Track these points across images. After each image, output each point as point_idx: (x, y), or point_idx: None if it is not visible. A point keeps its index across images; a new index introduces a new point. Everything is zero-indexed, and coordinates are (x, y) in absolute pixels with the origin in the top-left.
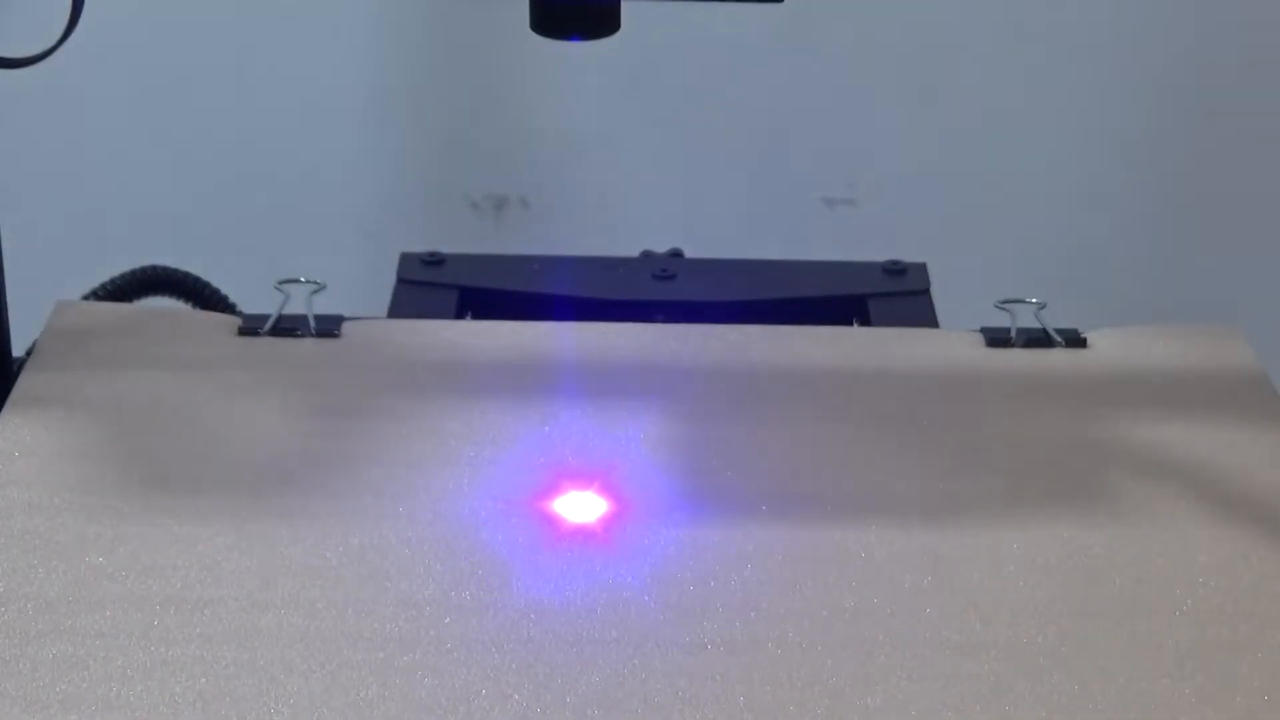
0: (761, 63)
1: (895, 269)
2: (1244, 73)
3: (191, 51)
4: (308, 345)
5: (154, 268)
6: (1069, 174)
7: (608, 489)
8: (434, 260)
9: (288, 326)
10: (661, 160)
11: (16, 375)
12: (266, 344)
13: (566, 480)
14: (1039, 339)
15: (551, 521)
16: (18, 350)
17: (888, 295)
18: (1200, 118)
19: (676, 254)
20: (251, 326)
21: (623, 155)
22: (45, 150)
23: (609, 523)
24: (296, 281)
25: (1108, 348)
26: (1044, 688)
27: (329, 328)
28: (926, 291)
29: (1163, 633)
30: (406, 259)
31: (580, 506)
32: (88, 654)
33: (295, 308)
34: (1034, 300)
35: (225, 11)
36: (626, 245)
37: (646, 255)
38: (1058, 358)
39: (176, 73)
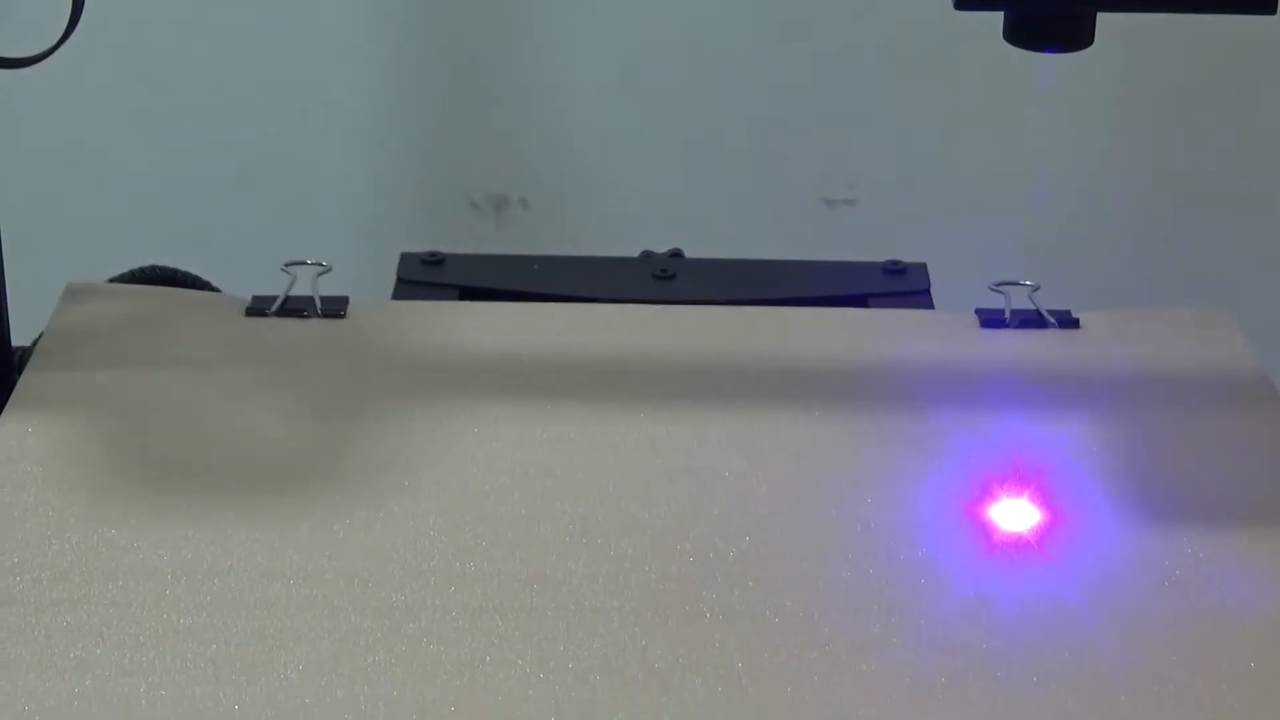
0: (761, 63)
1: (895, 269)
2: (1245, 70)
3: (191, 51)
4: (314, 326)
5: (154, 267)
6: (1069, 173)
7: (611, 465)
8: (434, 260)
9: (294, 307)
10: (661, 160)
11: (25, 360)
12: (273, 324)
13: (570, 456)
14: (1032, 320)
15: (554, 495)
16: (24, 339)
17: (888, 295)
18: (1203, 119)
19: (676, 254)
20: (259, 307)
21: (623, 155)
22: (44, 150)
23: (612, 495)
24: (303, 264)
25: (1100, 328)
26: (1040, 656)
27: (335, 309)
28: (927, 291)
29: (1151, 606)
30: (406, 259)
31: (584, 480)
32: (101, 622)
33: (301, 290)
34: (1028, 283)
35: (224, 12)
36: (626, 245)
37: (646, 255)
38: (1050, 338)
39: (176, 72)
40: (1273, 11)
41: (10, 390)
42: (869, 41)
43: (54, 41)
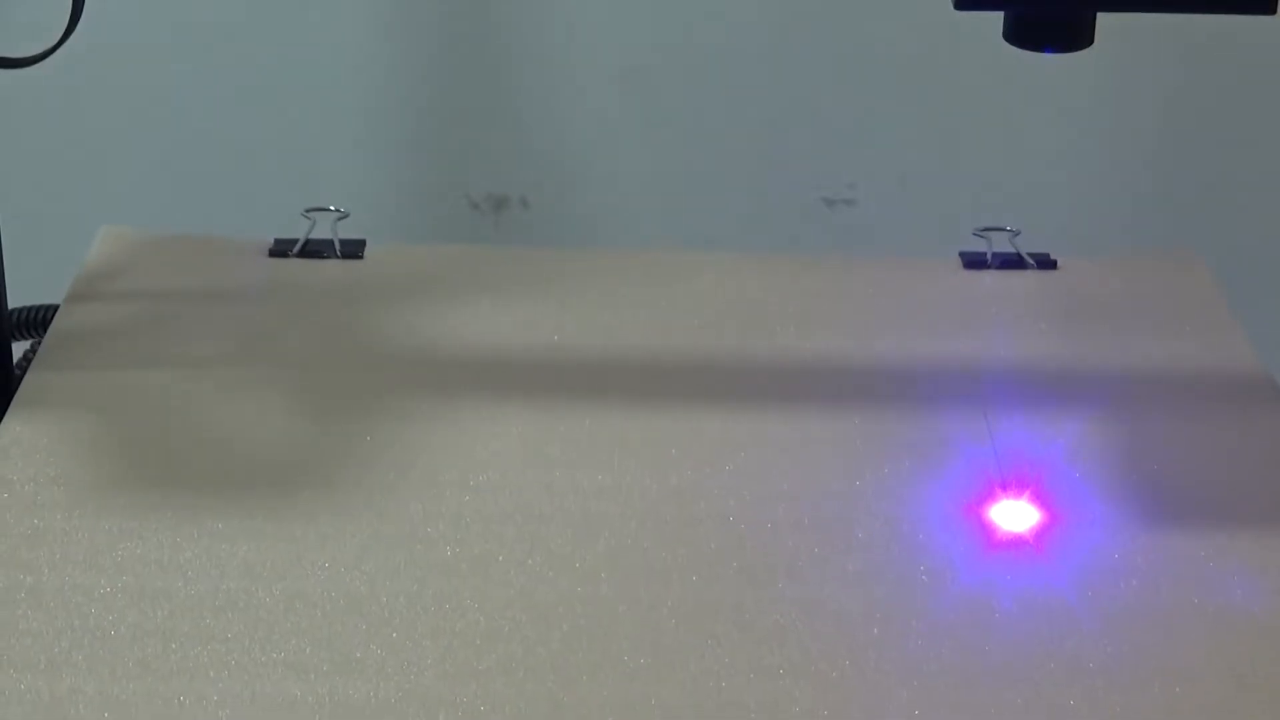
0: (762, 62)
1: None
2: (1246, 71)
3: (191, 52)
4: (334, 266)
5: None
6: (1070, 173)
7: (617, 390)
8: None
9: (315, 250)
10: (661, 160)
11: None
12: (295, 265)
13: (578, 383)
14: (1013, 262)
15: (560, 415)
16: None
17: None
18: (1204, 119)
19: None
20: (281, 249)
21: (623, 155)
22: (45, 150)
23: (615, 417)
24: (325, 210)
25: (1076, 270)
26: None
27: (354, 250)
28: None
29: (1119, 527)
30: None
31: (588, 406)
32: (140, 525)
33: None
34: (1009, 228)
35: (224, 12)
36: (627, 245)
37: None
38: (1029, 278)
39: (176, 73)
40: (1273, 11)
41: (9, 390)
42: (869, 41)
43: (54, 41)
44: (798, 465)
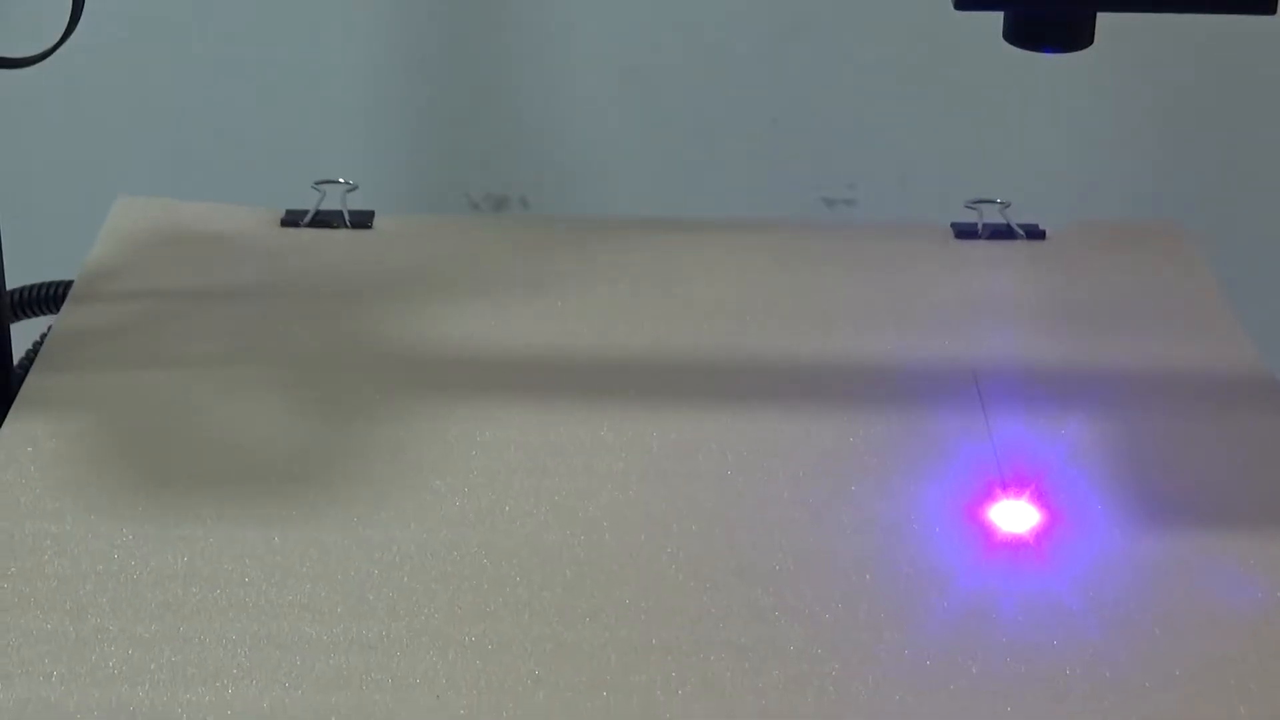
0: (762, 62)
1: None
2: (1247, 70)
3: (191, 52)
4: (343, 236)
5: None
6: (1071, 173)
7: (622, 350)
8: None
9: (325, 220)
10: (661, 160)
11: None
12: (306, 234)
13: (579, 346)
14: (1003, 232)
15: (571, 371)
16: (25, 340)
17: None
18: (1204, 119)
19: None
20: (293, 219)
21: (623, 155)
22: (45, 150)
23: (620, 374)
24: (334, 182)
25: (1063, 240)
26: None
27: (363, 220)
28: None
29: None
30: None
31: (595, 367)
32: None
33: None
34: (999, 200)
35: (224, 13)
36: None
37: None
38: (1018, 248)
39: (175, 73)
40: (1273, 11)
41: (9, 391)
42: (869, 41)
43: (54, 41)
44: (794, 423)
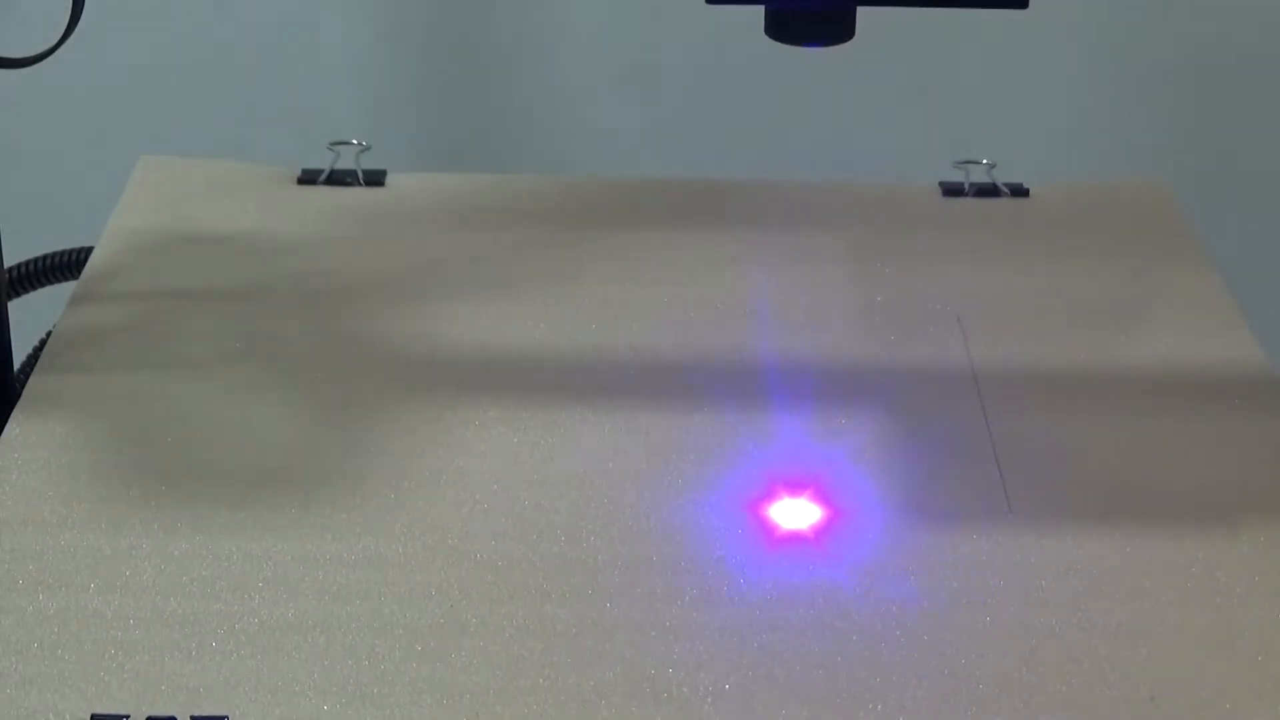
0: (762, 62)
1: None
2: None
3: (190, 53)
4: (357, 193)
5: None
6: (1072, 173)
7: (626, 325)
8: None
9: (339, 178)
10: (661, 160)
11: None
12: (322, 191)
13: (591, 312)
14: (988, 190)
15: (566, 326)
16: (25, 341)
17: None
18: (1205, 119)
19: None
20: (309, 177)
21: (623, 155)
22: (45, 150)
23: (609, 323)
24: (348, 143)
25: (1047, 196)
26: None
27: (376, 179)
28: None
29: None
30: None
31: (599, 329)
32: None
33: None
34: (985, 161)
35: (224, 14)
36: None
37: None
38: (1003, 205)
39: (174, 74)
40: (1024, 5)
41: (9, 391)
42: (869, 41)
43: (54, 41)
44: (784, 380)
